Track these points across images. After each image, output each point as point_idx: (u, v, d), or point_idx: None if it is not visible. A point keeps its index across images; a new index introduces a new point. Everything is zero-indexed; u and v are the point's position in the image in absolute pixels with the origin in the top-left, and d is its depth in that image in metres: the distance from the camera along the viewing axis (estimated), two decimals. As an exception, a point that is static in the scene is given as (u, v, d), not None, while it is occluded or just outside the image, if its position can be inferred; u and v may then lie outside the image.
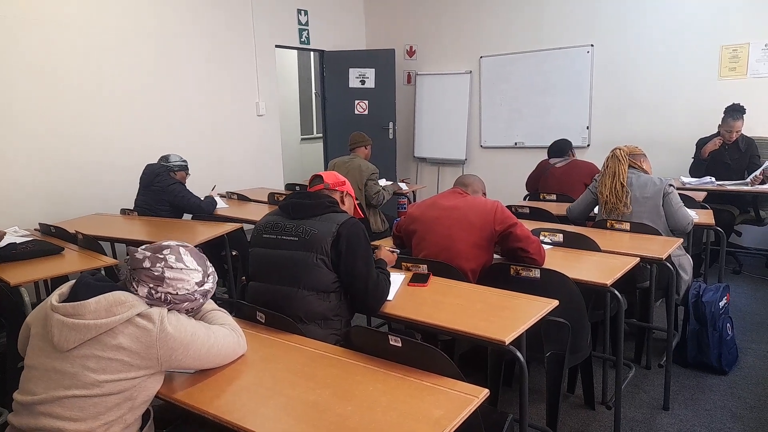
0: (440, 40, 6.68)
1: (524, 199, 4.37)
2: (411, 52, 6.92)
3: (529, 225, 2.73)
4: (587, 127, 5.73)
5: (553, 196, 4.00)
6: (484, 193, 2.74)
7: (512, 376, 2.85)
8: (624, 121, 5.49)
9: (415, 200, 5.16)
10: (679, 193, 3.12)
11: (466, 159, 6.61)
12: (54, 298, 1.39)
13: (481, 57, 6.35)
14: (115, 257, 2.98)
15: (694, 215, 3.11)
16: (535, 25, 5.96)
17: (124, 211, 3.96)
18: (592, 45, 5.62)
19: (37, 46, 4.07)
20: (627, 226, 2.95)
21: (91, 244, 3.02)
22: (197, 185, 4.52)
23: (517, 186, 4.77)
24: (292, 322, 1.85)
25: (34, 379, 1.35)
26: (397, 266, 2.45)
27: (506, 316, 1.86)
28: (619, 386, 2.42)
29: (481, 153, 6.57)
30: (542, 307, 1.90)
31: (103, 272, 2.70)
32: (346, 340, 1.84)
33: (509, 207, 2.89)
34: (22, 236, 3.14)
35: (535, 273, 2.28)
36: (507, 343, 1.68)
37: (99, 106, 4.46)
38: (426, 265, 2.37)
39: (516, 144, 6.26)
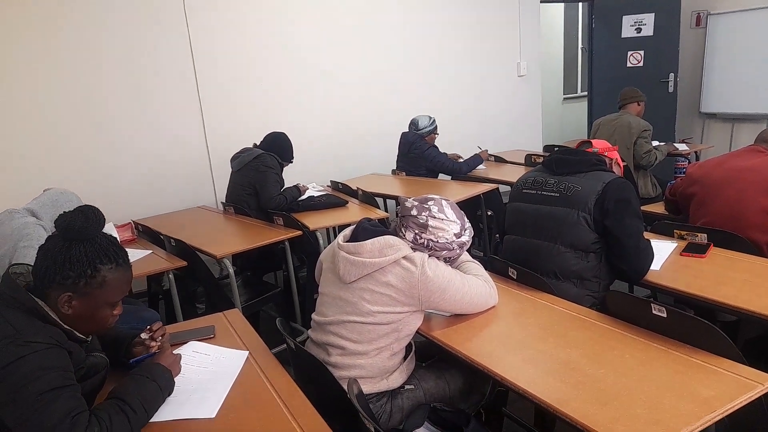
0: (745, -32, 5.49)
1: None
2: (703, -12, 5.87)
3: None
4: None
5: None
6: (798, 154, 2.22)
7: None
8: None
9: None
10: None
11: (773, 113, 5.40)
12: (340, 238, 1.66)
13: (804, -19, 5.03)
14: (386, 210, 3.36)
15: None
16: None
17: (394, 171, 4.41)
18: None
19: (312, 43, 4.70)
20: None
21: (368, 198, 3.47)
22: (459, 146, 4.76)
23: None
24: (544, 281, 1.84)
25: (326, 304, 1.65)
26: (669, 234, 2.19)
27: (815, 299, 1.51)
28: None
29: (796, 105, 5.28)
30: None
31: (377, 223, 3.09)
32: (602, 305, 1.75)
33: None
34: (318, 191, 3.78)
35: None
36: (813, 331, 1.37)
37: (371, 80, 4.95)
38: (706, 234, 2.07)
39: None
